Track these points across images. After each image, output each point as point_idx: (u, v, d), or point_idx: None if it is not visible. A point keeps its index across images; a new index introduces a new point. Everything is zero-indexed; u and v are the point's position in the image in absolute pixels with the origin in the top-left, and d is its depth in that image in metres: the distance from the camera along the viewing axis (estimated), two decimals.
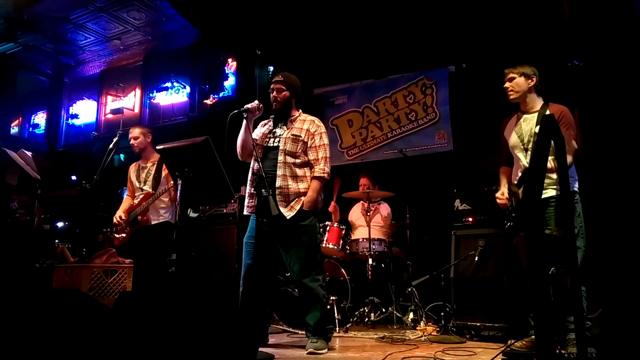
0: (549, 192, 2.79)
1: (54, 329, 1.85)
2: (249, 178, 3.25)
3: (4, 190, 5.87)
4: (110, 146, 3.95)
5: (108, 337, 1.81)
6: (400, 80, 6.06)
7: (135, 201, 4.03)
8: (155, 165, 4.05)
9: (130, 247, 3.53)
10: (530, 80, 2.95)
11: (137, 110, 7.98)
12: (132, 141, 4.13)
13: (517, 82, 2.96)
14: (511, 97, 3.01)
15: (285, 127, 3.26)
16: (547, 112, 2.82)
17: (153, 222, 3.98)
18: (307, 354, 2.97)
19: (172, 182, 3.96)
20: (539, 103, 2.98)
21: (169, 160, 3.10)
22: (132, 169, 4.23)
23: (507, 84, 3.01)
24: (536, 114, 2.93)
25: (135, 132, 4.18)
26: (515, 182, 2.98)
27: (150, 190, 3.98)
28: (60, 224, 6.14)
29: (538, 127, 2.81)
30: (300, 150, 3.20)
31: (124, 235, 3.94)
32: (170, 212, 4.06)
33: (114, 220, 3.99)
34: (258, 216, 3.16)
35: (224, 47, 6.95)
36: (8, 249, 5.11)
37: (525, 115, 2.99)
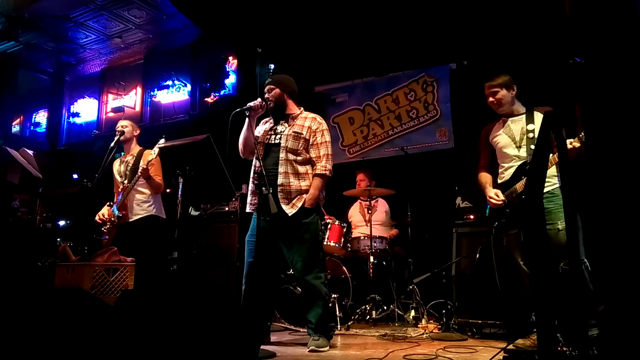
0: (547, 187, 2.83)
1: (57, 327, 1.85)
2: (251, 176, 3.25)
3: (5, 189, 5.88)
4: (112, 144, 3.94)
5: (110, 335, 1.81)
6: (401, 78, 6.05)
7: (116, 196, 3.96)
8: (134, 159, 3.99)
9: (117, 245, 3.50)
10: (512, 91, 3.07)
11: (138, 108, 7.98)
12: (120, 128, 4.06)
13: (502, 95, 3.06)
14: (500, 110, 3.11)
15: (286, 125, 3.27)
16: (536, 114, 2.97)
17: (134, 217, 3.88)
18: (309, 351, 2.97)
19: (159, 177, 3.89)
20: (522, 107, 3.10)
21: (170, 159, 3.10)
22: (116, 165, 4.12)
23: (491, 99, 3.10)
24: (523, 116, 3.05)
25: (125, 121, 4.15)
26: (504, 180, 3.02)
27: (127, 183, 3.92)
28: (61, 223, 6.15)
29: (529, 125, 2.96)
30: (301, 148, 3.20)
31: (107, 230, 3.83)
32: (156, 206, 3.96)
33: (97, 219, 3.89)
34: (260, 214, 3.16)
35: (224, 45, 6.95)
36: (10, 248, 5.12)
37: (511, 118, 3.10)
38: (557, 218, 2.76)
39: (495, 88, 3.06)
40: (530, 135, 2.92)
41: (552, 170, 2.83)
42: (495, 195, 3.00)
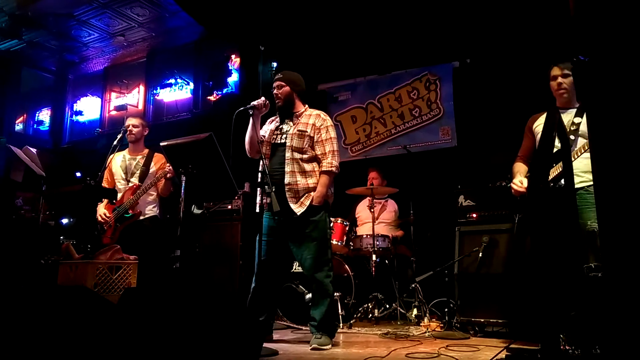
0: (581, 183, 2.72)
1: (60, 324, 1.86)
2: (259, 176, 3.25)
3: (8, 186, 5.89)
4: (114, 142, 3.95)
5: (113, 333, 1.81)
6: (404, 76, 6.04)
7: (119, 195, 3.98)
8: (144, 159, 4.05)
9: (122, 243, 3.50)
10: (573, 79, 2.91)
11: (141, 106, 7.99)
12: (131, 127, 4.07)
13: (570, 81, 2.89)
14: (562, 98, 2.93)
15: (291, 123, 3.27)
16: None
17: (141, 217, 3.95)
18: (311, 349, 2.97)
19: (163, 179, 3.93)
20: (576, 101, 2.94)
21: (173, 157, 3.10)
22: (117, 160, 4.12)
23: (560, 80, 2.90)
24: (574, 110, 2.88)
25: (136, 120, 4.14)
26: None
27: (137, 183, 3.96)
28: (65, 221, 6.15)
29: (577, 117, 2.79)
30: (307, 146, 3.20)
31: (112, 229, 3.87)
32: (158, 208, 4.05)
33: (99, 219, 3.92)
34: (269, 213, 3.17)
35: (227, 44, 6.94)
36: (13, 246, 5.14)
37: (561, 111, 2.90)
38: (588, 218, 2.59)
39: (568, 71, 2.86)
40: (573, 127, 2.76)
41: (588, 165, 2.59)
42: (519, 182, 2.84)
